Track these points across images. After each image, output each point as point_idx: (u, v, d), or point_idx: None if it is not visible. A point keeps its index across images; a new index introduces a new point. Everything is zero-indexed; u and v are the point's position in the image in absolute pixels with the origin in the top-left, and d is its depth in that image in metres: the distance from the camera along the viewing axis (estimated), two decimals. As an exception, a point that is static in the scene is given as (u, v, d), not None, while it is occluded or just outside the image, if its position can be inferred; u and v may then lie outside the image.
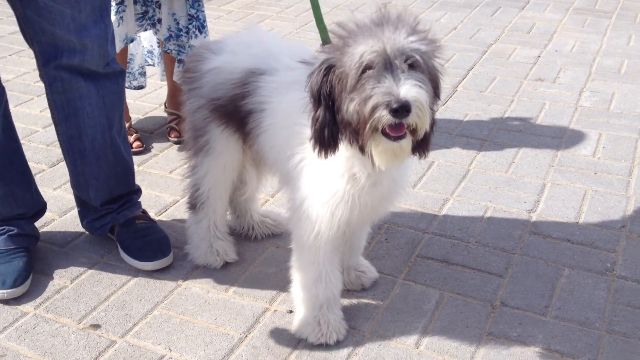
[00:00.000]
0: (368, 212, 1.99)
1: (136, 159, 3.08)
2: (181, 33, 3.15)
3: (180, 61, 3.21)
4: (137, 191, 2.64)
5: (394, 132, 1.66)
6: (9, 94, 2.84)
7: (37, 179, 2.91)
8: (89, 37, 2.24)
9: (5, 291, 2.27)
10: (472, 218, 2.75)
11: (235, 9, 5.42)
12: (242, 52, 2.19)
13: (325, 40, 2.00)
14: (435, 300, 2.31)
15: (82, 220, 2.60)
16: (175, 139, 3.34)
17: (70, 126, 2.39)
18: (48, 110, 3.58)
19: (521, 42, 4.73)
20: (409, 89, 1.60)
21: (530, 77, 4.14)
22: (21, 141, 2.52)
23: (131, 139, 3.24)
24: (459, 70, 4.24)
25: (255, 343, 2.12)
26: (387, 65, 1.62)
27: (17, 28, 2.32)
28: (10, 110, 2.46)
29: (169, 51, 3.22)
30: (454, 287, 2.37)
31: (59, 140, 2.46)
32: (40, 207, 2.56)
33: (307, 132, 1.82)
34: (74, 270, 2.45)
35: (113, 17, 3.01)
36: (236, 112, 2.13)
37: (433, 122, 1.76)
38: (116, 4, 3.03)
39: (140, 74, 3.52)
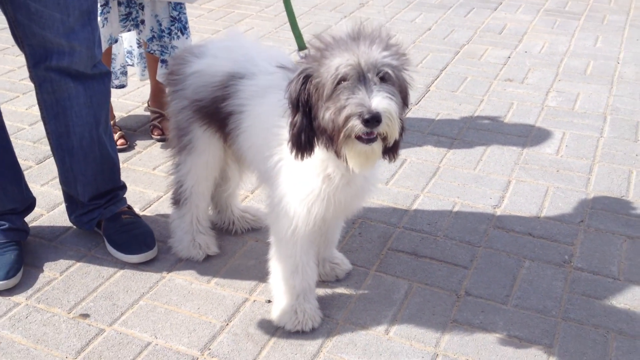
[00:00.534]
0: (342, 209, 2.14)
1: (121, 156, 3.20)
2: (163, 34, 3.27)
3: (163, 61, 3.33)
4: (123, 187, 2.76)
5: (365, 136, 1.81)
6: (-3, 93, 2.94)
7: (25, 175, 3.01)
8: (77, 40, 2.35)
9: (-2, 283, 2.40)
10: (440, 213, 2.92)
11: (215, 7, 5.53)
12: (223, 56, 2.32)
13: (301, 46, 2.14)
14: (405, 290, 2.46)
15: (70, 215, 2.72)
16: (158, 137, 3.46)
17: (59, 124, 2.51)
18: (34, 108, 3.70)
19: (492, 43, 4.91)
20: (380, 100, 1.74)
21: (500, 78, 4.31)
22: (9, 139, 2.63)
23: (115, 136, 3.35)
24: (432, 70, 4.40)
25: (236, 330, 2.27)
26: (360, 77, 1.76)
27: (2, 25, 2.42)
28: None
29: (152, 51, 3.34)
30: (422, 278, 2.53)
31: (48, 138, 2.58)
32: (30, 203, 2.67)
33: (285, 134, 1.97)
34: (63, 262, 2.57)
35: (98, 19, 3.12)
36: (217, 113, 2.26)
37: (402, 130, 1.90)
38: (101, 6, 3.14)
39: (122, 73, 3.63)
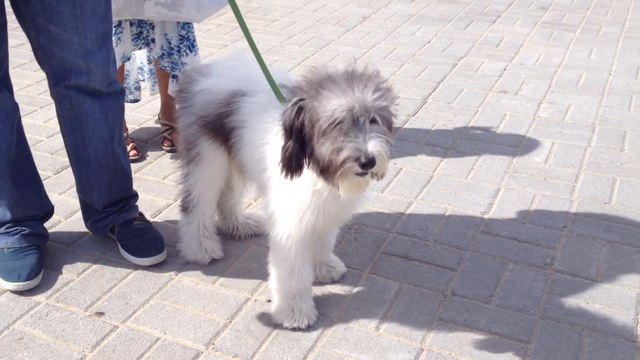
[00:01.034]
0: (332, 219, 2.34)
1: (133, 166, 3.39)
2: (173, 51, 3.49)
3: (174, 76, 3.55)
4: (135, 195, 2.97)
5: (360, 174, 2.01)
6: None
7: (44, 184, 3.23)
8: (94, 61, 2.56)
9: (20, 283, 2.60)
10: (432, 219, 3.11)
11: (223, 22, 5.75)
12: (227, 75, 2.52)
13: (281, 100, 2.29)
14: (395, 291, 2.66)
15: (86, 222, 2.93)
16: (168, 148, 3.67)
17: (76, 138, 2.72)
18: (51, 121, 3.93)
19: (489, 56, 5.10)
20: (374, 144, 1.95)
21: (494, 89, 4.50)
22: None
23: (128, 147, 3.57)
24: (430, 82, 4.60)
25: (238, 327, 2.46)
26: (355, 120, 1.96)
27: (19, 42, 2.63)
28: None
29: (163, 67, 3.56)
30: (412, 280, 2.72)
31: (67, 150, 2.79)
32: (48, 210, 2.89)
33: (274, 151, 2.17)
34: (80, 265, 2.78)
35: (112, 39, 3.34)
36: (222, 128, 2.47)
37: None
38: (114, 26, 3.36)
39: (135, 88, 3.85)
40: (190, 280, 2.70)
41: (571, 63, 4.98)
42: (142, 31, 3.50)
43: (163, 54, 3.51)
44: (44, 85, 4.41)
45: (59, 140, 3.74)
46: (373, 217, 3.11)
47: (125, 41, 3.44)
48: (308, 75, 2.09)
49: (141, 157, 3.61)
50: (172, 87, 3.56)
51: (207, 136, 2.56)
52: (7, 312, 2.51)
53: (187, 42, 3.49)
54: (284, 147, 2.09)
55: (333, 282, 2.70)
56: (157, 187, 3.35)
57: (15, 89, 4.32)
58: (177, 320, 2.49)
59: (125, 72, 3.73)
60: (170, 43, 3.47)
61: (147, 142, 3.80)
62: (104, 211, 2.86)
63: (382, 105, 2.00)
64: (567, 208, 3.20)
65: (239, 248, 2.91)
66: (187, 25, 3.48)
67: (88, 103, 2.65)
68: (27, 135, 3.74)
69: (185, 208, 2.78)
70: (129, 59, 3.57)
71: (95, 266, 2.78)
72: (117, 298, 2.60)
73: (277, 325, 2.47)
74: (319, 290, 2.64)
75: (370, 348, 2.38)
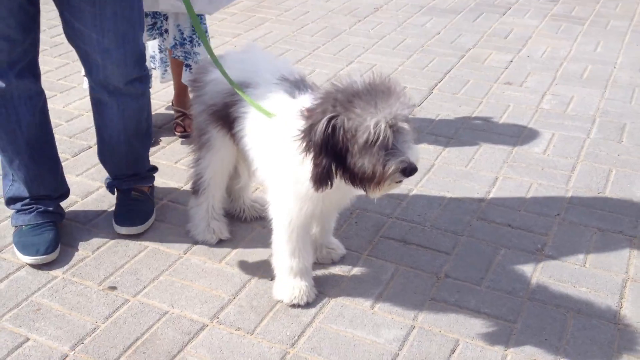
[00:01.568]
0: (332, 206, 2.50)
1: (147, 151, 3.57)
2: (185, 42, 3.63)
3: (187, 65, 3.69)
4: (149, 170, 3.15)
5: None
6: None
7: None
8: (110, 59, 2.69)
9: (39, 257, 2.77)
10: (430, 205, 3.24)
11: (238, 11, 5.89)
12: (235, 67, 2.65)
13: (266, 114, 2.41)
14: (391, 272, 2.80)
15: (105, 179, 3.18)
16: (180, 134, 3.83)
17: (97, 119, 2.94)
18: (70, 106, 4.11)
19: (497, 47, 5.20)
20: (413, 154, 2.13)
21: (500, 81, 4.61)
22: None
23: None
24: (437, 73, 4.72)
25: (242, 303, 2.62)
26: (392, 133, 2.11)
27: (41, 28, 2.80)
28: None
29: (177, 57, 3.71)
30: (408, 262, 2.86)
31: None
32: (64, 191, 3.04)
33: (280, 141, 2.32)
34: (94, 243, 2.95)
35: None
36: (228, 117, 2.61)
37: None
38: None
39: (149, 76, 4.01)
40: (198, 258, 2.86)
41: (577, 56, 5.06)
42: (157, 22, 3.65)
43: (176, 44, 3.65)
44: (64, 71, 4.61)
45: (77, 125, 3.92)
46: (373, 203, 3.24)
47: (140, 31, 3.59)
48: (333, 90, 2.20)
49: (155, 142, 3.77)
50: (185, 76, 3.71)
51: (215, 124, 2.71)
52: (26, 285, 2.69)
53: (200, 32, 3.63)
54: (315, 162, 2.19)
55: (333, 263, 2.85)
56: (169, 171, 3.51)
57: (36, 74, 4.47)
58: (184, 295, 2.66)
59: (141, 61, 3.88)
60: (182, 34, 3.62)
61: (160, 127, 3.96)
62: (114, 177, 3.10)
63: (407, 115, 2.15)
64: (561, 197, 3.32)
65: (245, 230, 3.06)
66: (199, 17, 3.62)
67: (105, 97, 2.82)
68: (47, 119, 3.94)
69: (195, 191, 2.93)
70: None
71: (109, 244, 2.94)
72: (129, 274, 2.77)
73: (278, 302, 2.62)
74: (319, 271, 2.79)
75: (365, 324, 2.53)
